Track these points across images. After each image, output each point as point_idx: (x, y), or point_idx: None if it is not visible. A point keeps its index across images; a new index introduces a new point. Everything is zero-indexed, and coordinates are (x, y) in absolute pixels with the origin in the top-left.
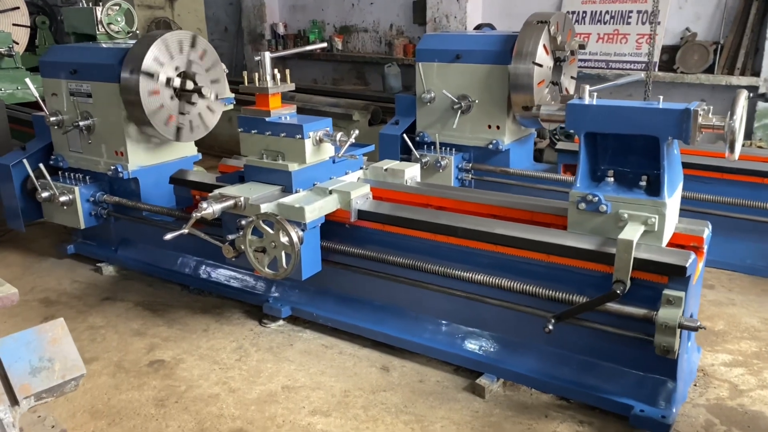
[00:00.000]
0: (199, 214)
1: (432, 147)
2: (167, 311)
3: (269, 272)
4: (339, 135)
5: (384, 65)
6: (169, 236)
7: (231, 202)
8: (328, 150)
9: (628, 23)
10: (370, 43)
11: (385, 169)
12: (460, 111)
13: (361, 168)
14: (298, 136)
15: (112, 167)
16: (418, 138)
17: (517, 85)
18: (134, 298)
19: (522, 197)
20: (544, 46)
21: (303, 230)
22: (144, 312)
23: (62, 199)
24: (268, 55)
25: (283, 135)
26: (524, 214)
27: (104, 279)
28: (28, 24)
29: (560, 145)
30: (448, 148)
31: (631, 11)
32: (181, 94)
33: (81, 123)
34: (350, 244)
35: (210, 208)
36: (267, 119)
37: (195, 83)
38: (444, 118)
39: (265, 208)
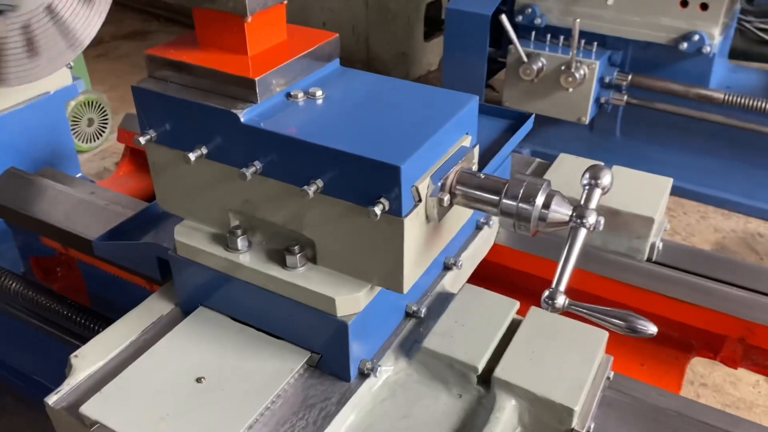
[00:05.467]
0: None
1: (551, 37)
2: None
3: None
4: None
5: None
6: None
7: None
8: (459, 216)
9: None
10: None
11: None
12: None
13: None
14: (378, 206)
15: None
16: (521, 18)
17: None
18: None
19: None
20: None
21: None
22: None
23: None
24: None
25: (312, 190)
26: None
27: None
28: None
29: None
30: (583, 43)
31: None
32: None
33: None
34: None
35: None
36: (243, 115)
37: None
38: None
39: None
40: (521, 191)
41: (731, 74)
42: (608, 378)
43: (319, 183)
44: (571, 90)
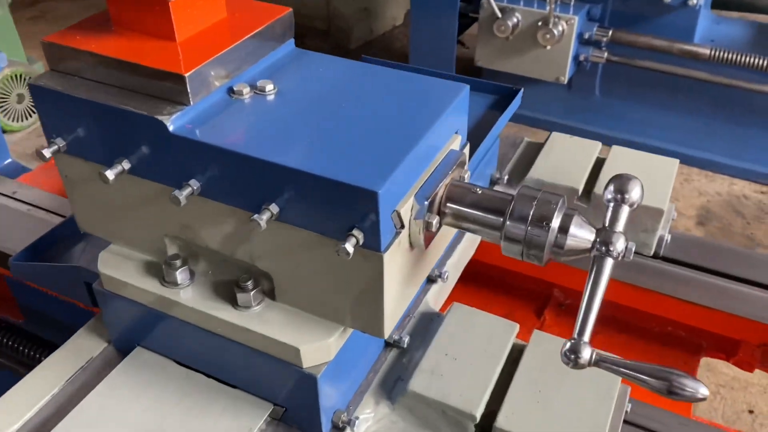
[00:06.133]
0: None
1: None
2: None
3: None
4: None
5: None
6: None
7: None
8: (448, 231)
9: None
10: None
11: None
12: None
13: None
14: (349, 240)
15: None
16: None
17: None
18: None
19: None
20: None
21: None
22: None
23: None
24: None
25: (264, 219)
26: None
27: None
28: None
29: None
30: None
31: None
32: None
33: None
34: None
35: None
36: (171, 122)
37: None
38: None
39: None
40: (532, 211)
41: (715, 26)
42: (626, 411)
43: (273, 209)
44: (548, 47)
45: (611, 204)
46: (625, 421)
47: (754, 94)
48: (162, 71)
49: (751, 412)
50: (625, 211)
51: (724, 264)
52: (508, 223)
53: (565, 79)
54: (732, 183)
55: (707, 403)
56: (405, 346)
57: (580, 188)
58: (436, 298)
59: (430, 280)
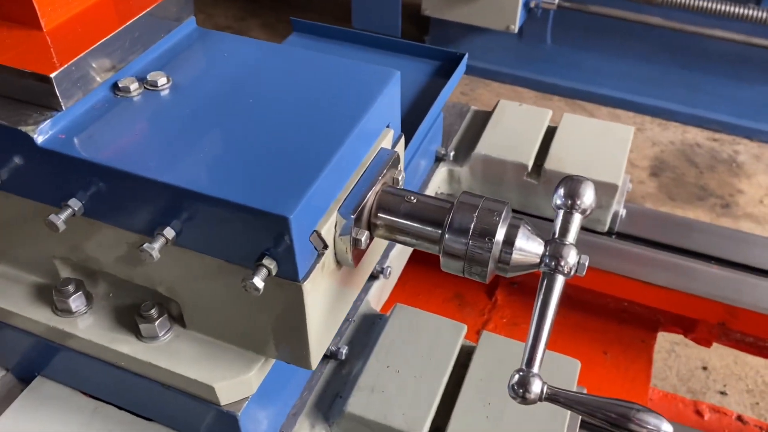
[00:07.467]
0: None
1: None
2: None
3: None
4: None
5: None
6: None
7: None
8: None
9: None
10: None
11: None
12: None
13: None
14: (259, 272)
15: None
16: None
17: None
18: None
19: None
20: None
21: None
22: None
23: None
24: None
25: (157, 247)
26: None
27: None
28: None
29: None
30: None
31: None
32: None
33: None
34: None
35: None
36: (39, 133)
37: None
38: None
39: None
40: (473, 223)
41: None
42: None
43: (168, 234)
44: None
45: (561, 211)
46: (583, 424)
47: (707, 39)
48: (23, 71)
49: (704, 368)
50: (576, 219)
51: (680, 238)
52: (446, 236)
53: (515, 28)
54: (685, 131)
55: (662, 362)
56: (343, 357)
57: (530, 163)
58: (378, 297)
59: (372, 277)
